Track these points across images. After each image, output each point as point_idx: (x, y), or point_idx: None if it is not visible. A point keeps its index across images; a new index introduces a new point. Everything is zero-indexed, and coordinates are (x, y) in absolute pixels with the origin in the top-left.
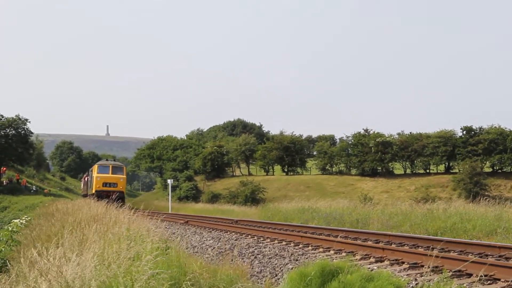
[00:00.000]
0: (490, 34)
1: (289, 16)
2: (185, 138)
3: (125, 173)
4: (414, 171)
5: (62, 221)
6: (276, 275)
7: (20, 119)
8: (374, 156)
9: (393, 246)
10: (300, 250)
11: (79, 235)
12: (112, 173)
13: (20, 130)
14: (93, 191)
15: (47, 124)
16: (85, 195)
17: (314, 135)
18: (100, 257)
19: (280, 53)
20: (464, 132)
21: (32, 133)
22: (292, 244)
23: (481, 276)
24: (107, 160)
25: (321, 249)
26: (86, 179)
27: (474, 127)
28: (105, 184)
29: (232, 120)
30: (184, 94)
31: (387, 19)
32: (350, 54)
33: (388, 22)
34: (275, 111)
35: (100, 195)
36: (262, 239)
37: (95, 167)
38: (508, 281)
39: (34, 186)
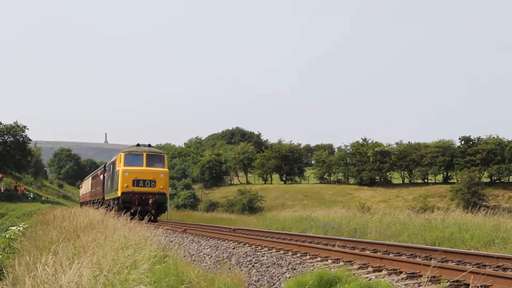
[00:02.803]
0: (491, 43)
1: (287, 25)
2: (184, 146)
3: (166, 165)
4: (412, 181)
5: (58, 229)
6: (273, 284)
7: (18, 126)
8: (372, 165)
9: (391, 255)
10: (298, 259)
11: (76, 243)
12: (147, 165)
13: (18, 137)
14: (118, 194)
15: (45, 131)
16: (88, 203)
17: (313, 144)
18: (97, 264)
19: (280, 60)
20: (462, 142)
21: (30, 140)
22: (290, 253)
23: (479, 286)
24: (138, 145)
25: (319, 258)
26: (96, 179)
27: (472, 137)
28: (137, 183)
29: (231, 128)
30: (183, 101)
31: (386, 28)
32: (349, 63)
33: (387, 31)
34: (273, 120)
35: (129, 200)
36: (260, 247)
37: (120, 157)
38: None
39: (31, 193)
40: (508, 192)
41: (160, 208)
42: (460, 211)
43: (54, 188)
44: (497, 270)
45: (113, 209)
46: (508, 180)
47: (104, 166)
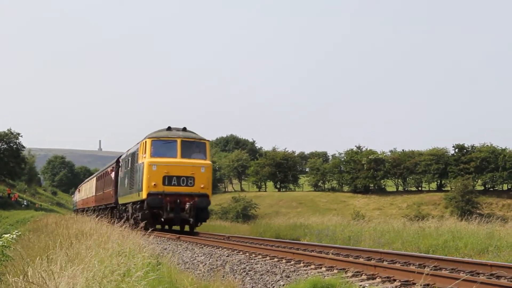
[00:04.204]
0: (487, 51)
1: (283, 33)
2: None
3: (209, 156)
4: (406, 189)
5: (52, 236)
6: None
7: (12, 133)
8: (366, 173)
9: (385, 263)
10: (292, 266)
11: (69, 250)
12: (183, 156)
13: (12, 144)
14: (142, 196)
15: (39, 138)
16: (89, 210)
17: (307, 151)
18: (91, 272)
19: (272, 70)
20: (456, 150)
21: (24, 147)
22: (284, 261)
23: None
24: (169, 129)
25: (312, 266)
26: (104, 179)
27: (466, 145)
28: (169, 181)
29: (225, 136)
30: (176, 109)
31: (380, 36)
32: (342, 71)
33: (381, 39)
34: (268, 127)
35: (157, 204)
36: (253, 255)
37: (144, 145)
38: None
39: (25, 201)
40: (502, 200)
41: (200, 215)
42: (454, 219)
43: (48, 195)
44: (490, 278)
45: (133, 217)
46: (502, 188)
47: (117, 161)
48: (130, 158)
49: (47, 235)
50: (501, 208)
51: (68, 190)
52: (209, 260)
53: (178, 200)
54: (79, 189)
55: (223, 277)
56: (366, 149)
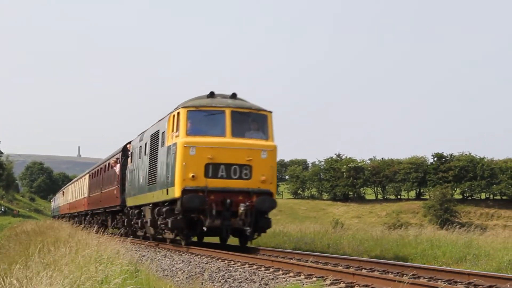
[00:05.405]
0: (466, 60)
1: (264, 44)
2: None
3: (272, 134)
4: (385, 197)
5: (29, 243)
6: None
7: None
8: (346, 181)
9: (364, 271)
10: (271, 274)
11: (47, 257)
12: (234, 135)
13: None
14: (174, 194)
15: (17, 144)
16: (77, 217)
17: (287, 159)
18: (68, 279)
19: (253, 80)
20: (435, 159)
21: (1, 153)
22: (262, 268)
23: None
24: (211, 95)
25: (291, 274)
26: (102, 175)
27: (445, 154)
28: (214, 171)
29: None
30: (159, 112)
31: (361, 46)
32: (323, 80)
33: (361, 49)
34: None
35: (197, 204)
36: (232, 262)
37: (176, 117)
38: None
39: (2, 207)
40: (480, 209)
41: (260, 223)
42: (432, 227)
43: (26, 201)
44: (468, 286)
45: (151, 225)
46: (480, 197)
47: (124, 149)
48: (149, 141)
49: (23, 242)
50: (479, 217)
51: (46, 196)
52: (188, 267)
53: (228, 200)
54: (63, 192)
55: (202, 284)
56: (346, 157)
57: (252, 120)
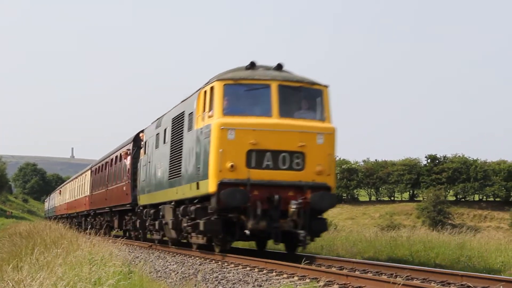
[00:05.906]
0: (459, 62)
1: (264, 44)
2: None
3: (329, 114)
4: (379, 198)
5: (23, 243)
6: None
7: None
8: (339, 182)
9: (357, 273)
10: (264, 275)
11: (40, 258)
12: (282, 114)
13: None
14: (208, 189)
15: (11, 145)
16: (76, 217)
17: None
18: (61, 280)
19: None
20: (429, 161)
21: None
22: (256, 270)
23: None
24: (252, 66)
25: (285, 275)
26: (108, 170)
27: (438, 156)
28: (257, 160)
29: None
30: (152, 114)
31: (354, 48)
32: (323, 79)
33: (354, 51)
34: None
35: (238, 201)
36: (226, 264)
37: (210, 93)
38: None
39: None
40: (473, 210)
41: (314, 224)
42: (425, 229)
43: (19, 203)
44: None
45: (176, 228)
46: (473, 198)
47: (136, 138)
48: (169, 126)
49: (16, 243)
50: (472, 219)
51: (39, 197)
52: (181, 268)
53: (276, 196)
54: (60, 191)
55: (195, 286)
56: (340, 158)
57: (304, 97)
